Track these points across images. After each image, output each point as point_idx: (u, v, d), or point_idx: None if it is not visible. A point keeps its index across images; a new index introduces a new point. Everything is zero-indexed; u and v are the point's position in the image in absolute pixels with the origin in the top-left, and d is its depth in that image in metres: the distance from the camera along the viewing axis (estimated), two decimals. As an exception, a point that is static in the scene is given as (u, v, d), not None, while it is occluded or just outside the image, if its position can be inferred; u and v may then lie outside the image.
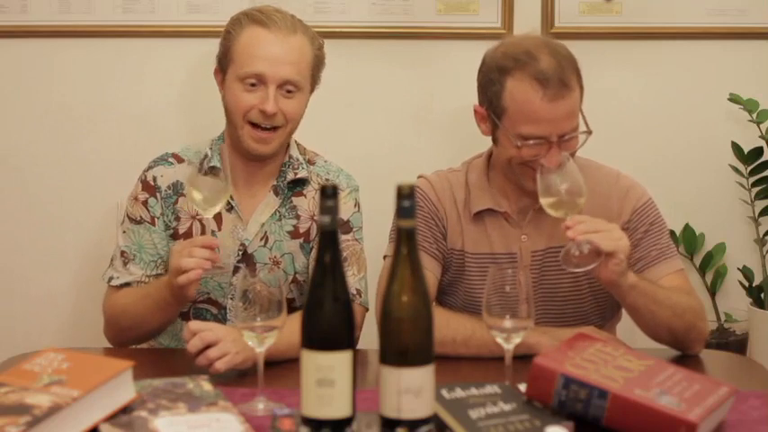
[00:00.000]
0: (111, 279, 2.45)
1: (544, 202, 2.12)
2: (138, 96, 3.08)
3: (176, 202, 2.45)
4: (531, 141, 2.22)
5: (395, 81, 3.08)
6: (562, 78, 2.22)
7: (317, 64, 2.45)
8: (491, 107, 2.29)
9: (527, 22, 3.00)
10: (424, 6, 3.05)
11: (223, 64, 2.43)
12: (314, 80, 2.46)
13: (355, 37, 3.05)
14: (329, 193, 1.60)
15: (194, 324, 2.09)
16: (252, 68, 2.36)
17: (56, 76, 3.08)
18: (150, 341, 2.50)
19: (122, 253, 2.45)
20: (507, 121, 2.26)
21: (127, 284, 2.43)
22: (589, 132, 2.29)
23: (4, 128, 3.10)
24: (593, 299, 2.36)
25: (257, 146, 2.39)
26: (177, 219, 2.45)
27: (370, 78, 3.09)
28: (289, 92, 2.38)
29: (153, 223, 2.44)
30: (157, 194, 2.45)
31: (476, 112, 2.35)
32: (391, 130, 3.10)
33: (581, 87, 2.29)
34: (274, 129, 2.38)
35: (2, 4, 3.03)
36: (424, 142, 3.08)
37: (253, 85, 2.37)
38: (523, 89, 2.22)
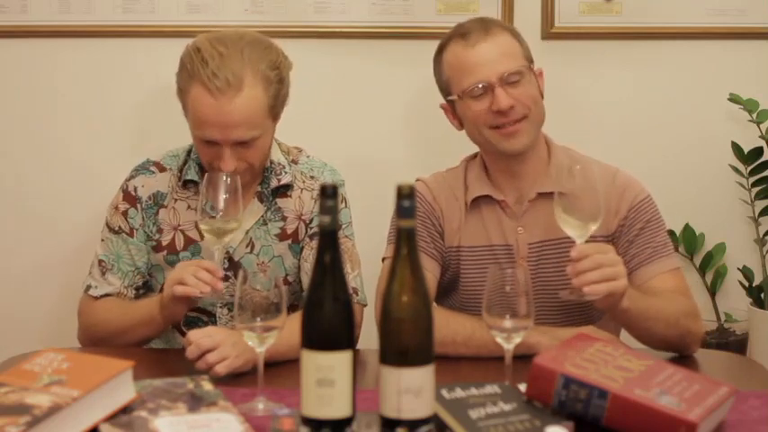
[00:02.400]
0: (89, 288, 2.44)
1: (557, 215, 2.07)
2: (138, 97, 3.08)
3: (157, 213, 2.44)
4: (476, 90, 2.29)
5: (395, 81, 3.08)
6: (482, 28, 2.33)
7: (275, 101, 2.32)
8: (444, 92, 2.38)
9: (527, 22, 3.00)
10: (424, 6, 3.05)
11: (182, 105, 2.37)
12: (276, 112, 2.36)
13: (355, 37, 3.05)
14: (329, 193, 1.60)
15: (193, 333, 2.08)
16: (202, 135, 2.30)
17: (56, 76, 3.08)
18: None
19: (100, 262, 2.45)
20: (453, 88, 2.35)
21: (106, 295, 2.43)
22: (531, 69, 2.33)
23: (4, 128, 3.10)
24: None
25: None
26: (160, 230, 2.44)
27: (370, 78, 3.09)
28: (246, 143, 2.30)
29: (131, 234, 2.44)
30: (138, 205, 2.45)
31: (444, 110, 2.43)
32: (391, 129, 3.10)
33: (519, 42, 2.35)
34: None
35: (2, 4, 3.04)
36: (423, 142, 3.08)
37: (209, 142, 2.31)
38: (453, 51, 2.35)
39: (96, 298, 2.43)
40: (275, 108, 2.34)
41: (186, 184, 2.44)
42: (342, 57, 3.06)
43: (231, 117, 2.27)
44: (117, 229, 2.45)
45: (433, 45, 3.03)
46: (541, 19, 3.04)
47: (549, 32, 3.03)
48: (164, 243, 2.44)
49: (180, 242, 2.44)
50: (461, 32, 2.34)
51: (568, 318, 2.35)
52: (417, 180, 2.47)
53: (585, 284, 2.03)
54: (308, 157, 2.52)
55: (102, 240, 2.47)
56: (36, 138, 3.09)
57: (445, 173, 2.48)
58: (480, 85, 2.29)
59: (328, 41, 3.02)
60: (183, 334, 2.44)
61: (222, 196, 2.16)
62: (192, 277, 2.13)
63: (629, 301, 2.13)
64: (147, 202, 2.45)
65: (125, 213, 2.44)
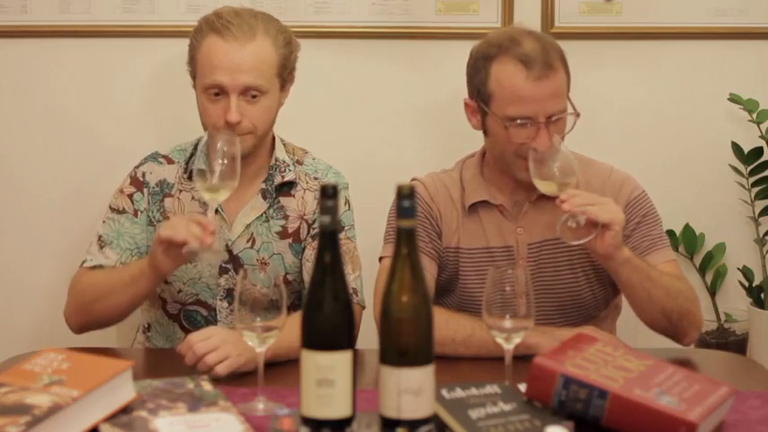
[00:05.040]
0: (84, 262, 2.42)
1: (536, 182, 2.15)
2: (138, 96, 3.08)
3: (163, 200, 2.45)
4: (519, 121, 2.25)
5: (395, 81, 3.08)
6: (546, 59, 2.26)
7: (284, 62, 2.41)
8: (479, 96, 2.33)
9: (527, 22, 2.97)
10: (423, 6, 3.05)
11: (192, 73, 2.43)
12: (283, 79, 2.42)
13: (355, 37, 3.05)
14: (329, 193, 1.60)
15: (193, 336, 2.07)
16: (211, 79, 2.35)
17: (56, 76, 3.08)
18: (137, 344, 2.52)
19: (99, 238, 2.43)
20: (495, 106, 2.29)
21: (99, 267, 2.41)
22: (577, 114, 2.30)
23: (4, 128, 3.10)
24: (590, 289, 2.37)
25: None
26: (166, 217, 2.45)
27: (370, 78, 3.09)
28: (253, 97, 2.35)
29: (135, 215, 2.44)
30: (144, 189, 2.45)
31: (466, 105, 2.38)
32: (390, 129, 3.10)
33: (567, 73, 2.32)
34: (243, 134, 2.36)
35: (2, 4, 3.04)
36: (423, 142, 3.08)
37: (216, 94, 2.35)
38: (508, 71, 2.27)
39: (89, 269, 2.40)
40: (283, 70, 2.40)
41: (192, 175, 2.45)
42: (342, 57, 3.06)
43: (242, 60, 2.34)
44: (121, 209, 2.44)
45: (434, 45, 3.06)
46: (541, 19, 3.04)
47: (549, 32, 3.02)
48: None
49: None
50: (523, 57, 2.26)
51: (567, 317, 2.35)
52: (413, 180, 2.47)
53: (575, 205, 2.08)
54: (313, 159, 2.53)
55: (104, 222, 2.46)
56: (36, 138, 3.09)
57: (441, 173, 2.48)
58: (526, 120, 2.25)
59: (328, 41, 3.02)
60: (185, 329, 2.46)
61: (219, 159, 2.15)
62: (184, 228, 2.12)
63: (630, 252, 2.18)
64: (153, 188, 2.46)
65: (131, 196, 2.45)
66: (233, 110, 2.33)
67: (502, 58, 2.28)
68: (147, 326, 2.55)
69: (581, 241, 2.13)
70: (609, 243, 2.13)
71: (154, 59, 3.05)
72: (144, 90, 3.08)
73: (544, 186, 2.16)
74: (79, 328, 2.40)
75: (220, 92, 2.35)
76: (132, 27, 3.04)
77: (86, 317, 2.37)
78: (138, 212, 2.44)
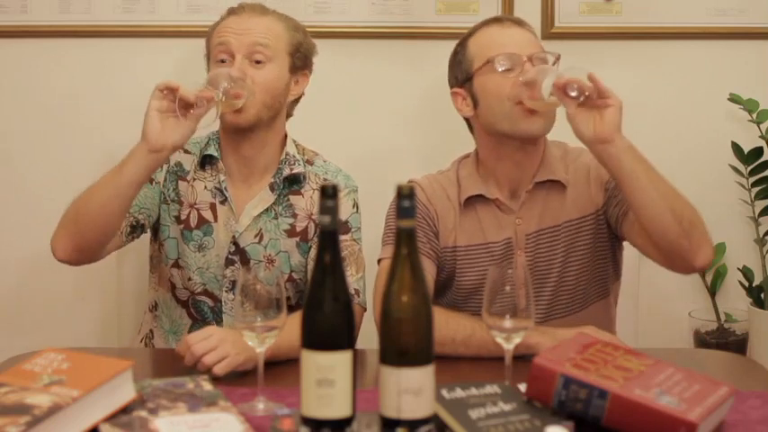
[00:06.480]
0: None
1: (532, 104, 2.21)
2: (138, 96, 3.08)
3: (178, 181, 2.47)
4: (503, 62, 2.31)
5: (395, 81, 3.08)
6: (517, 20, 2.42)
7: (296, 45, 2.46)
8: (462, 75, 2.39)
9: (527, 21, 3.00)
10: (423, 6, 3.05)
11: (207, 59, 2.49)
12: (294, 62, 2.46)
13: (355, 37, 3.06)
14: (329, 193, 1.60)
15: (191, 336, 2.06)
16: (218, 40, 2.42)
17: (56, 76, 3.08)
18: (144, 324, 2.50)
19: None
20: (477, 62, 2.36)
21: None
22: (557, 57, 2.34)
23: (4, 127, 3.10)
24: (587, 275, 2.38)
25: (232, 116, 2.38)
26: (180, 202, 2.46)
27: (370, 78, 3.09)
28: (258, 62, 2.40)
29: (150, 182, 2.43)
30: (165, 165, 2.46)
31: (453, 95, 2.43)
32: (391, 130, 3.10)
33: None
34: None
35: (2, 4, 3.04)
36: (423, 142, 3.09)
37: (222, 61, 2.41)
38: (482, 32, 2.41)
39: None
40: (295, 51, 2.46)
41: (204, 163, 2.47)
42: (342, 57, 3.06)
43: (251, 26, 2.42)
44: None
45: (434, 45, 3.06)
46: (541, 19, 3.04)
47: (550, 32, 3.03)
48: (182, 217, 2.46)
49: (194, 220, 2.46)
50: (494, 19, 2.42)
51: (563, 304, 2.36)
52: (410, 182, 2.48)
53: (584, 76, 2.10)
54: (324, 161, 2.55)
55: None
56: (36, 138, 3.09)
57: (437, 174, 2.49)
58: (508, 56, 2.31)
59: (328, 41, 3.02)
60: (191, 317, 2.48)
61: (224, 83, 2.25)
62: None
63: (630, 142, 2.17)
64: (172, 167, 2.48)
65: None
66: (236, 64, 2.37)
67: (478, 30, 2.42)
68: (154, 304, 2.55)
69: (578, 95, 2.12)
70: (609, 121, 2.14)
71: (154, 59, 3.05)
72: (144, 90, 3.07)
73: (541, 104, 2.19)
74: (64, 251, 2.33)
75: (227, 58, 2.40)
76: (132, 27, 3.05)
77: (72, 227, 2.30)
78: (154, 182, 2.44)
